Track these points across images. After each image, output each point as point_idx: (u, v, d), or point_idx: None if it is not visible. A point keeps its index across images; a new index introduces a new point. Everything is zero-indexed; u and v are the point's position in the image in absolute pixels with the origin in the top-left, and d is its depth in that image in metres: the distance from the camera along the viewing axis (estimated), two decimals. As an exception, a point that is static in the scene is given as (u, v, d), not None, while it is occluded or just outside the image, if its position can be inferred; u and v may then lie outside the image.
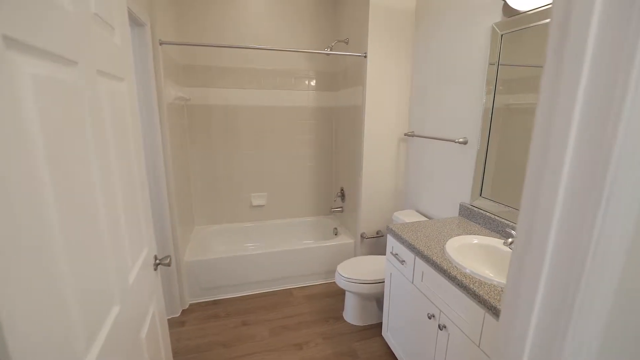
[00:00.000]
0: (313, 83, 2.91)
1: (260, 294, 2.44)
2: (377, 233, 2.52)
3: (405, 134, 2.35)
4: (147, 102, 1.82)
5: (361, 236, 2.49)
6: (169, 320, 1.76)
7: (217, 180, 2.87)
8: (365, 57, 2.20)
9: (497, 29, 1.52)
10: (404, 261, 1.54)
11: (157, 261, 1.11)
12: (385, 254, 2.46)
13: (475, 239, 1.43)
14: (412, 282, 1.47)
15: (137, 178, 0.99)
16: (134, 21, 1.62)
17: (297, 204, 3.14)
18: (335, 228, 2.92)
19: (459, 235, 1.52)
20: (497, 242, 1.39)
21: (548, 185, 0.44)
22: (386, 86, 2.27)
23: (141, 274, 0.96)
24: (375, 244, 2.56)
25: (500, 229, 1.53)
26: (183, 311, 2.22)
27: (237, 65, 2.70)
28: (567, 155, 0.41)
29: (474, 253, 1.38)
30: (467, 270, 1.18)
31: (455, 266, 1.23)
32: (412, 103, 2.33)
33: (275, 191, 3.04)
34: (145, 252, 1.03)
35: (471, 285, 1.10)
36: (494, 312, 1.00)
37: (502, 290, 1.06)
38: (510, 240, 1.31)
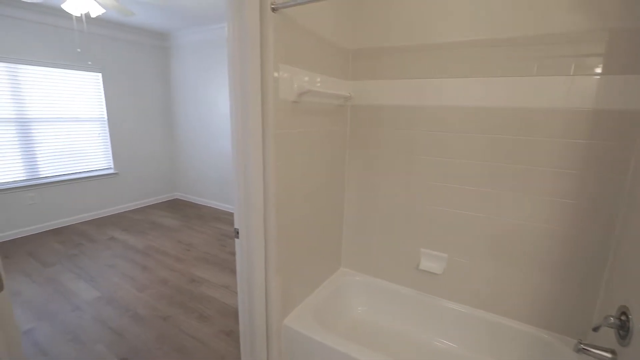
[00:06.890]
0: (590, 59, 1.34)
1: None
2: None
3: None
4: (242, 97, 1.22)
5: None
6: None
7: (376, 216, 1.97)
8: None
9: None
10: None
11: None
12: None
13: None
14: None
15: None
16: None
17: (501, 292, 1.68)
18: (582, 386, 1.27)
19: None
20: None
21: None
22: None
23: None
24: None
25: None
26: (265, 393, 1.58)
27: (418, 41, 1.63)
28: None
29: None
30: None
31: None
32: None
33: (464, 255, 1.74)
34: None
35: None
36: None
37: None
38: None
